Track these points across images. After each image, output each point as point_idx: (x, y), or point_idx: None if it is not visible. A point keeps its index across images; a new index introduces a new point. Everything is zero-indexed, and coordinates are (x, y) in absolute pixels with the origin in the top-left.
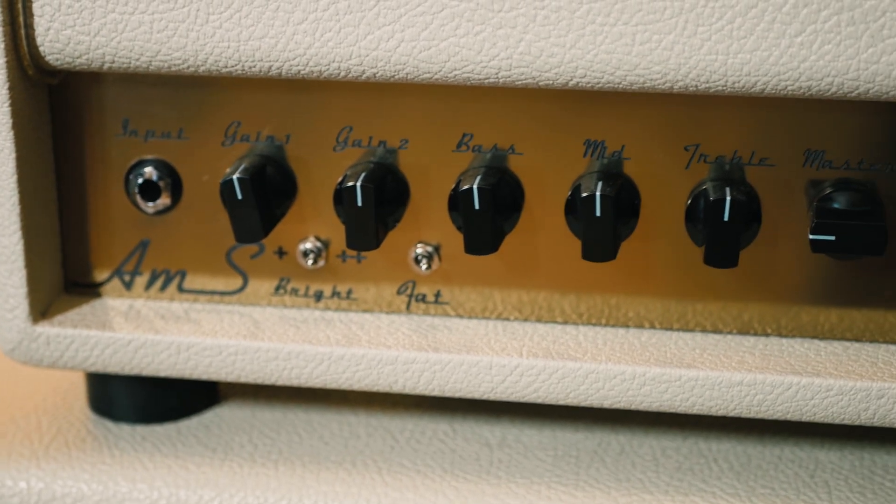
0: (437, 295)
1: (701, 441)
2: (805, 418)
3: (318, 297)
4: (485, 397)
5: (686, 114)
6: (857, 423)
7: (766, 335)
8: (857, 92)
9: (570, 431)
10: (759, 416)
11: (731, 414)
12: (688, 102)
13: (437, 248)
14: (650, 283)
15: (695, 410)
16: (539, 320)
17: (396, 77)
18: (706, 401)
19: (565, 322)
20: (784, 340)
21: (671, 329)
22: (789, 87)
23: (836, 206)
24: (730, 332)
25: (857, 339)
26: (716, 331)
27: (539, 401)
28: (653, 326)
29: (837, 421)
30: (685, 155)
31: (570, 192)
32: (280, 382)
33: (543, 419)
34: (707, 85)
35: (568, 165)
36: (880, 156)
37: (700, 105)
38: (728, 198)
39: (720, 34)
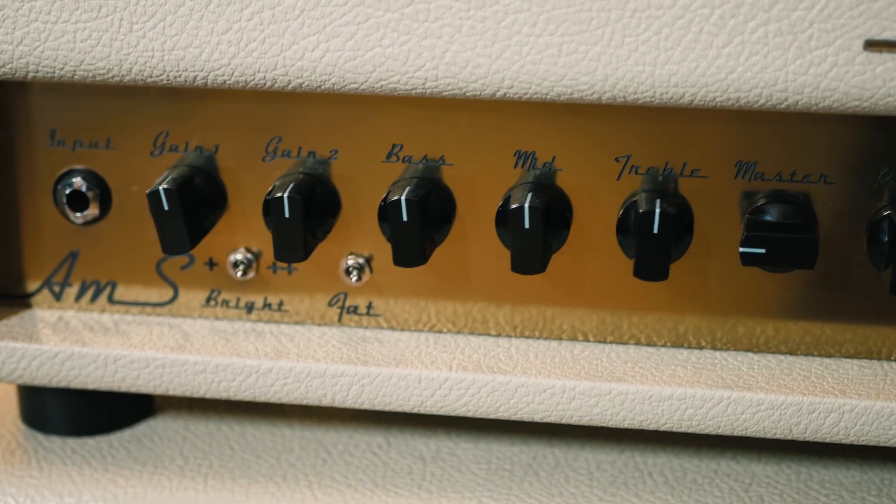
0: (369, 307)
1: (637, 455)
2: (737, 433)
3: (250, 308)
4: (414, 411)
5: (617, 125)
6: (789, 437)
7: (701, 348)
8: (785, 103)
9: (506, 444)
10: (691, 430)
11: (663, 428)
12: (618, 113)
13: (368, 260)
14: (584, 296)
15: (625, 425)
16: (472, 333)
17: (323, 87)
18: (637, 415)
19: (498, 335)
20: (718, 353)
21: (605, 342)
22: (717, 99)
23: (767, 218)
24: (664, 345)
25: (792, 353)
26: (650, 343)
27: (469, 414)
28: (587, 339)
29: (770, 435)
30: (616, 166)
31: (500, 204)
32: (209, 395)
33: (480, 432)
34: (635, 96)
35: (499, 176)
36: (813, 167)
37: (631, 116)
38: (658, 210)
39: (647, 45)
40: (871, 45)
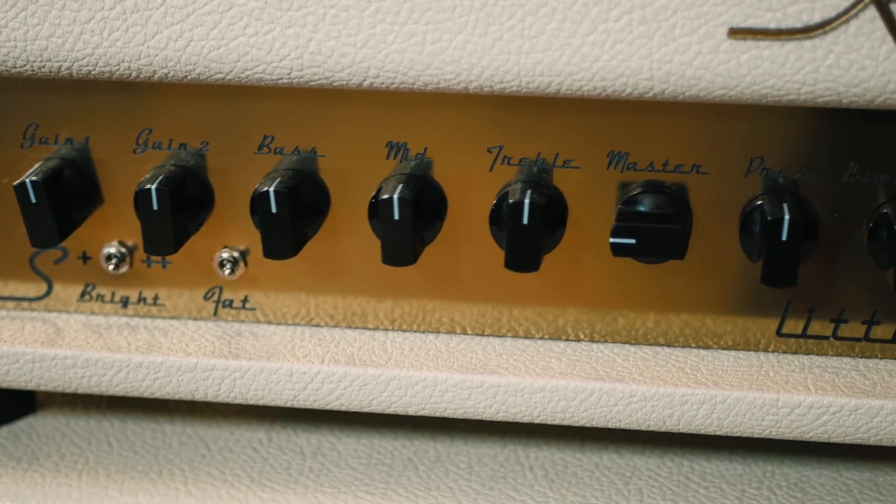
0: (245, 300)
1: (520, 448)
2: (610, 425)
3: (125, 303)
4: (287, 405)
5: (488, 115)
6: (662, 429)
7: (578, 340)
8: (652, 92)
9: (389, 439)
10: (564, 422)
11: (537, 420)
12: (490, 104)
13: (243, 253)
14: (462, 289)
15: (499, 417)
16: (350, 326)
17: (188, 78)
18: (510, 407)
19: (376, 328)
20: (595, 346)
21: (482, 335)
22: (584, 88)
23: (639, 209)
24: (541, 338)
25: (670, 345)
26: (528, 336)
27: (342, 408)
28: (465, 332)
29: (643, 427)
30: (489, 157)
31: (373, 196)
32: (80, 390)
33: (363, 427)
34: (502, 85)
35: (372, 168)
36: (685, 157)
37: (502, 106)
38: (527, 201)
39: (511, 33)
40: (736, 32)
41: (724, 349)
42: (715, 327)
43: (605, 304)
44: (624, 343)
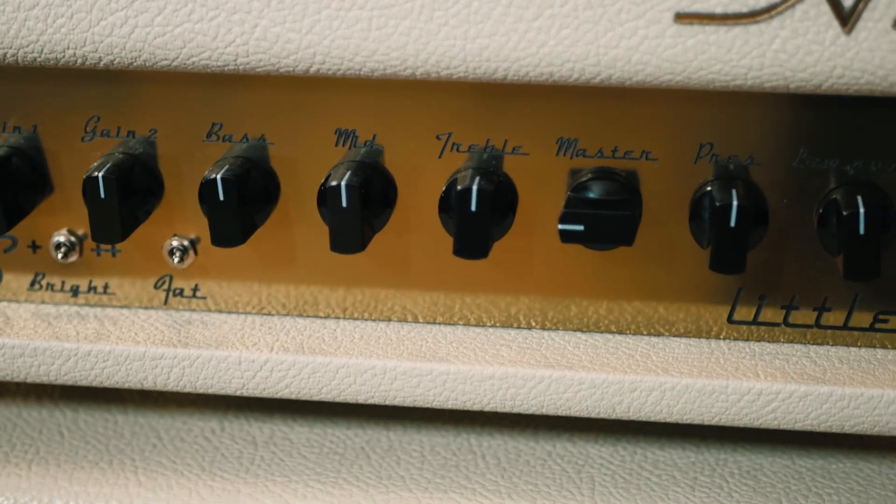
0: (195, 289)
1: (473, 437)
2: (560, 412)
3: (75, 292)
4: (237, 393)
5: (437, 101)
6: (612, 416)
7: (530, 328)
8: (599, 78)
9: (342, 428)
10: (514, 410)
11: (487, 408)
12: (438, 90)
13: (193, 242)
14: (413, 277)
15: (449, 405)
16: (302, 315)
17: (134, 64)
18: (459, 395)
19: (327, 316)
20: (546, 333)
21: (434, 323)
22: (531, 73)
23: (589, 195)
24: (493, 326)
25: (622, 332)
26: (479, 324)
27: (291, 396)
28: (416, 320)
29: (593, 415)
30: (438, 144)
31: (322, 183)
32: (29, 380)
33: (317, 416)
34: (448, 71)
35: (321, 155)
36: (634, 144)
37: (451, 93)
38: (475, 187)
39: (457, 19)
40: (682, 17)
41: (675, 336)
42: (667, 315)
43: (558, 292)
44: (576, 331)
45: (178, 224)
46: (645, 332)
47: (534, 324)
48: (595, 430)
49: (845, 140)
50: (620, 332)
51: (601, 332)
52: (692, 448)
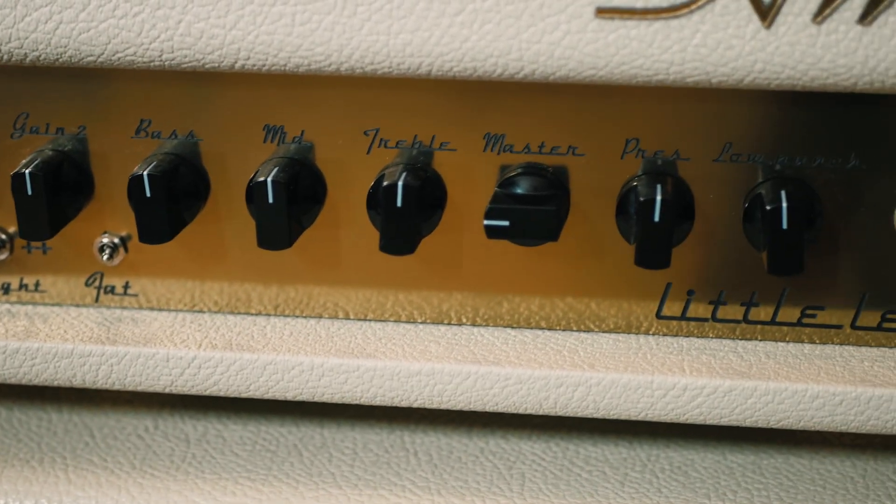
0: (126, 286)
1: (407, 434)
2: (488, 408)
3: (6, 289)
4: (165, 391)
5: (364, 97)
6: (539, 412)
7: (460, 324)
8: (522, 73)
9: (276, 425)
10: (442, 406)
11: (415, 405)
12: (365, 85)
13: (124, 239)
14: (344, 273)
15: (377, 401)
16: (234, 312)
17: (60, 61)
18: (386, 391)
19: (259, 313)
20: (476, 329)
21: (365, 319)
22: (455, 69)
23: (517, 191)
24: (424, 322)
25: (552, 328)
26: (410, 320)
27: (220, 393)
28: (347, 317)
29: (520, 410)
30: (366, 140)
31: (250, 179)
32: None
33: (251, 413)
34: (373, 66)
35: (250, 151)
36: (560, 139)
37: (378, 88)
38: (401, 183)
39: (380, 14)
40: (603, 11)
41: (605, 332)
42: (599, 310)
43: (490, 288)
44: (507, 327)
45: (108, 221)
46: (575, 328)
47: (465, 320)
48: (529, 427)
49: (771, 135)
50: (551, 329)
51: (531, 329)
52: (624, 444)
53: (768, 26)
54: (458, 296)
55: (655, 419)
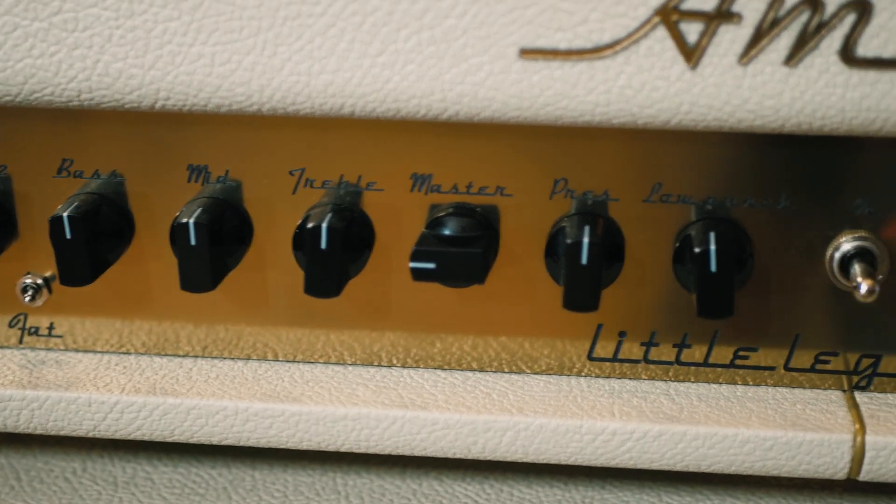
0: (51, 328)
1: (340, 476)
2: (416, 453)
3: None
4: (89, 435)
5: (289, 137)
6: (468, 456)
7: (391, 366)
8: (446, 114)
9: (207, 467)
10: (369, 450)
11: (342, 449)
12: (289, 125)
13: (47, 280)
14: (272, 314)
15: (303, 446)
16: (161, 353)
17: None
18: (312, 436)
19: (186, 355)
20: (406, 371)
21: (294, 361)
22: (378, 110)
23: (444, 232)
24: (354, 364)
25: (483, 369)
26: (340, 362)
27: (144, 438)
28: (276, 358)
29: (449, 455)
30: (291, 179)
31: (173, 221)
32: None
33: (182, 455)
34: (295, 107)
35: (174, 191)
36: (488, 179)
37: (303, 127)
38: (325, 225)
39: (300, 54)
40: (527, 52)
41: (537, 374)
42: (532, 351)
43: (422, 329)
44: (437, 368)
45: (32, 261)
46: (507, 370)
47: (395, 361)
48: (464, 468)
49: (701, 175)
50: (482, 370)
51: (462, 370)
52: (560, 485)
53: (694, 67)
54: (389, 336)
55: (586, 463)
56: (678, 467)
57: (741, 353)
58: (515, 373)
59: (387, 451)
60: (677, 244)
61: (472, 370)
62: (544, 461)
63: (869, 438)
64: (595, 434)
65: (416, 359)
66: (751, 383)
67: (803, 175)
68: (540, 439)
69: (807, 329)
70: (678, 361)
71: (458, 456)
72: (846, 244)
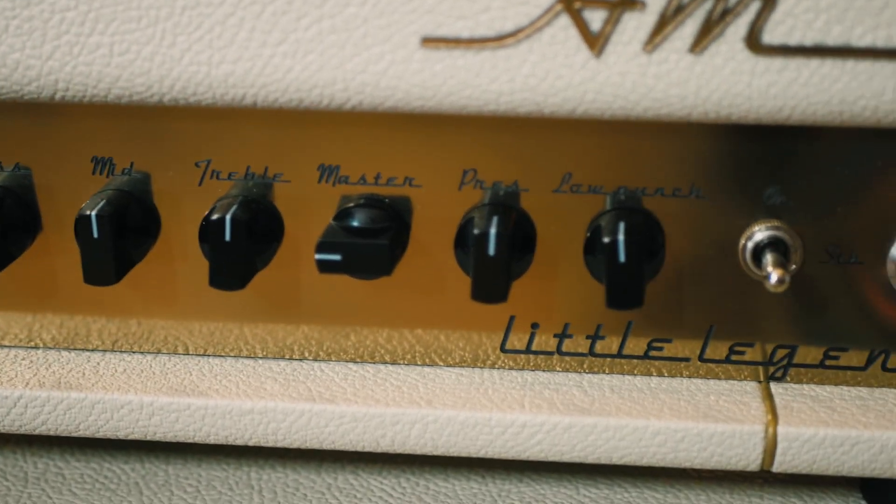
0: None
1: (254, 470)
2: (324, 446)
3: None
4: None
5: (194, 128)
6: (378, 449)
7: (302, 359)
8: (350, 104)
9: (120, 462)
10: (277, 444)
11: (250, 443)
12: (194, 115)
13: None
14: (184, 307)
15: (210, 440)
16: (71, 348)
17: None
18: (219, 430)
19: (96, 349)
20: (317, 364)
21: (205, 354)
22: (280, 100)
23: (352, 223)
24: (265, 357)
25: (396, 362)
26: (251, 356)
27: (49, 433)
28: (187, 352)
29: (358, 448)
30: (197, 171)
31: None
32: None
33: (96, 449)
34: (196, 97)
35: (79, 183)
36: (397, 170)
37: (207, 118)
38: (228, 217)
39: (200, 44)
40: (428, 41)
41: (451, 366)
42: (447, 343)
43: (336, 321)
44: (349, 361)
45: None
46: (420, 362)
47: (308, 355)
48: (381, 463)
49: (611, 165)
50: (395, 363)
51: (374, 363)
52: (477, 478)
53: (598, 55)
54: (304, 329)
55: (496, 456)
56: (590, 459)
57: (655, 345)
58: (428, 365)
59: (295, 445)
60: (588, 234)
61: (385, 363)
62: (454, 454)
63: (781, 429)
64: (505, 426)
65: (328, 352)
66: (666, 374)
67: (714, 164)
68: (449, 432)
69: (721, 320)
70: (592, 353)
71: (367, 449)
72: (759, 234)
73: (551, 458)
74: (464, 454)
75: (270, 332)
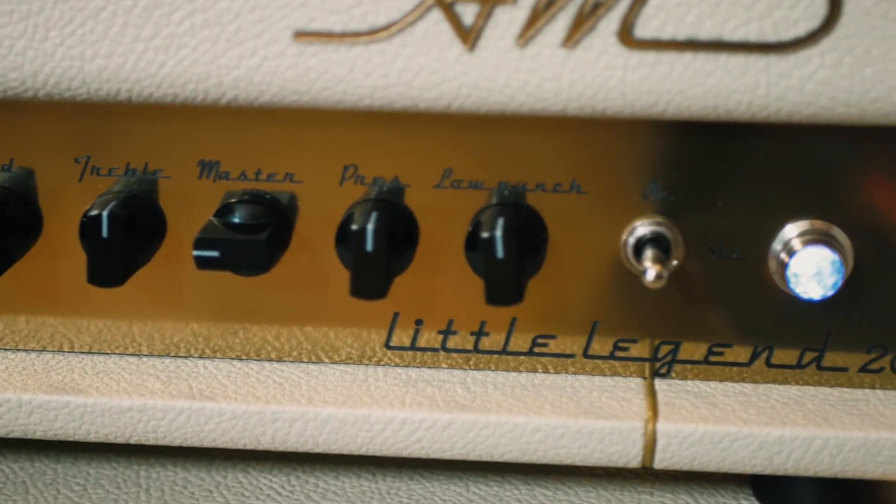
0: None
1: (144, 469)
2: (205, 444)
3: None
4: None
5: (74, 124)
6: (259, 447)
7: (188, 356)
8: (225, 99)
9: (9, 461)
10: (158, 442)
11: (132, 441)
12: (74, 111)
13: None
14: (68, 305)
15: (90, 438)
16: None
17: None
18: (99, 428)
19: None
20: (202, 362)
21: (90, 352)
22: (155, 95)
23: (232, 219)
24: (150, 355)
25: (281, 359)
26: (137, 353)
27: None
28: (72, 350)
29: (239, 446)
30: (77, 167)
31: None
32: None
33: None
34: (70, 93)
35: None
36: (277, 166)
37: (84, 114)
38: (105, 213)
39: (73, 38)
40: (301, 35)
41: (336, 363)
42: (335, 340)
43: (221, 318)
44: (234, 358)
45: None
46: (306, 359)
47: (194, 352)
48: (272, 461)
49: (491, 160)
50: (280, 360)
51: (259, 360)
52: (367, 476)
53: (471, 49)
54: (192, 326)
55: (377, 453)
56: (471, 456)
57: (540, 341)
58: (314, 363)
59: (176, 443)
60: (470, 230)
61: (271, 360)
62: (335, 451)
63: (661, 426)
64: (384, 423)
65: (215, 349)
66: (552, 371)
67: (595, 159)
68: (329, 429)
69: (605, 316)
70: (477, 350)
71: (247, 447)
72: (640, 229)
73: (432, 455)
74: (345, 451)
75: (158, 330)
